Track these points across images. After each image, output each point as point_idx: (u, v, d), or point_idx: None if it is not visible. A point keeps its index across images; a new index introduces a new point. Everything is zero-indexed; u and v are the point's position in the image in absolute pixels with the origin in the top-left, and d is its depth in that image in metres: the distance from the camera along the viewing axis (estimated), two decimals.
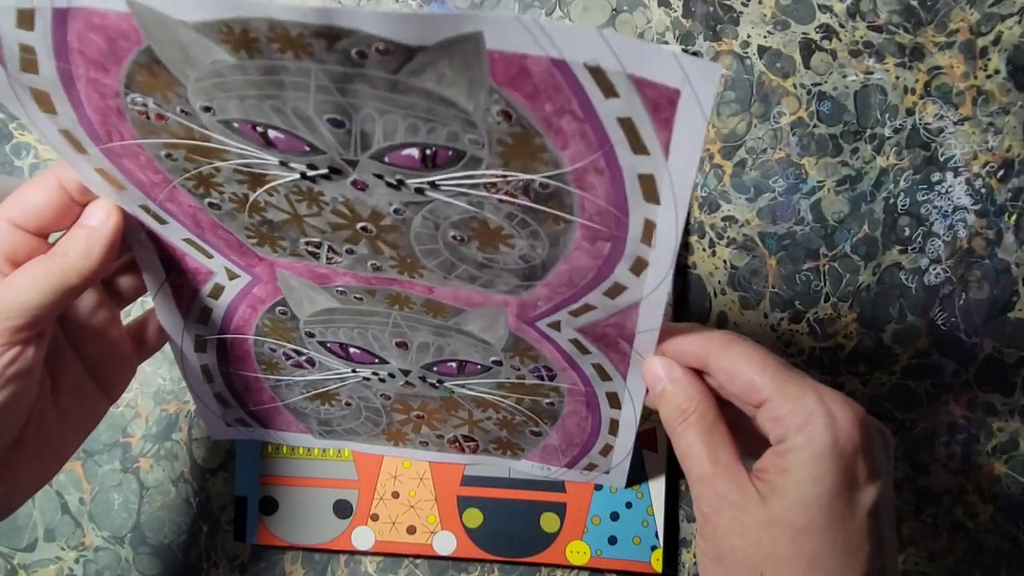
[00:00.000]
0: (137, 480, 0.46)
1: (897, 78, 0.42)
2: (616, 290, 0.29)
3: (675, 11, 0.43)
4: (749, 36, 0.42)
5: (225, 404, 0.39)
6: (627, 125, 0.23)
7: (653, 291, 0.28)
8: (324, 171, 0.26)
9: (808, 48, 0.42)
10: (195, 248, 0.32)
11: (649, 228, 0.26)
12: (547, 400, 0.35)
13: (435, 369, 0.35)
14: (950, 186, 0.42)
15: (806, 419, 0.27)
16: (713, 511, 0.28)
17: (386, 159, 0.25)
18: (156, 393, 0.45)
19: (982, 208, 0.42)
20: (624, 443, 0.37)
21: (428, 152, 0.25)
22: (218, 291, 0.34)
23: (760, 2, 0.42)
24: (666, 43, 0.43)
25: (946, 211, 0.43)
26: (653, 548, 0.42)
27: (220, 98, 0.24)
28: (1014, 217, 0.43)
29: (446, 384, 0.35)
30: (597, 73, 0.22)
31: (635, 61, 0.22)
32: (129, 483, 0.46)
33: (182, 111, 0.25)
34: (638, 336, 0.31)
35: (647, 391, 0.32)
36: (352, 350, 0.35)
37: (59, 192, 0.29)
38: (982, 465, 0.44)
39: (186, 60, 0.23)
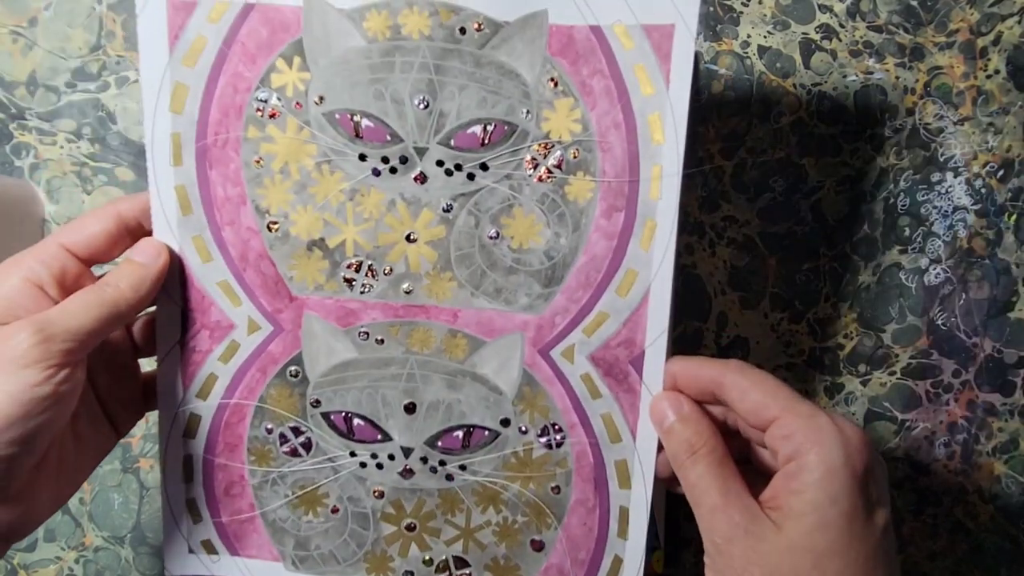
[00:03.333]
0: (137, 480, 0.46)
1: (897, 78, 0.42)
2: (627, 283, 0.32)
3: None
4: (749, 36, 0.42)
5: (195, 517, 0.36)
6: (639, 71, 0.30)
7: (660, 266, 0.31)
8: (394, 164, 0.31)
9: (808, 48, 0.42)
10: (227, 293, 0.33)
11: (657, 175, 0.31)
12: (552, 484, 0.35)
13: (439, 444, 0.34)
14: (950, 186, 0.42)
15: (818, 435, 0.27)
16: (726, 541, 0.28)
17: (452, 142, 0.31)
18: None
19: (982, 208, 0.42)
20: (635, 548, 0.35)
21: (488, 128, 0.31)
22: (231, 351, 0.34)
23: (760, 2, 0.42)
24: None
25: (946, 211, 0.43)
26: (653, 549, 0.42)
27: (336, 86, 0.31)
28: (1014, 217, 0.43)
29: (448, 467, 0.35)
30: (621, 30, 0.30)
31: (644, 11, 0.30)
32: (129, 483, 0.46)
33: (296, 104, 0.31)
34: (647, 352, 0.32)
35: (658, 449, 0.32)
36: (356, 422, 0.34)
37: (116, 223, 0.32)
38: (982, 465, 0.44)
39: (326, 46, 0.30)
